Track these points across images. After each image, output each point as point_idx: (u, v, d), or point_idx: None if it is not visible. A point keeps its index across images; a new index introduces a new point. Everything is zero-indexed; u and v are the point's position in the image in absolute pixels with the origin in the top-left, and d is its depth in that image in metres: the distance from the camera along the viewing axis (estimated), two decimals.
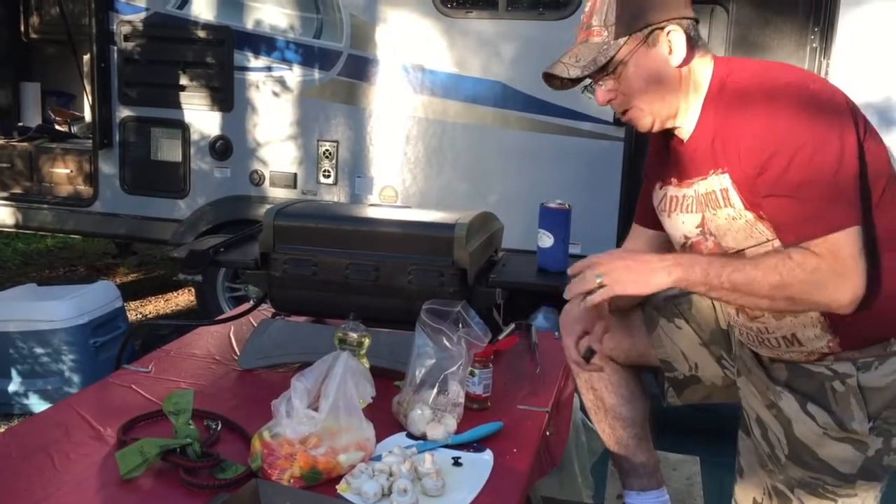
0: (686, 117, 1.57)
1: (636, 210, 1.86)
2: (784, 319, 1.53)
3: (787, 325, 1.53)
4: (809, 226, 1.40)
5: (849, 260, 1.38)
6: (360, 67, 4.15)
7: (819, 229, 1.39)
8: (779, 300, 1.44)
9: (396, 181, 4.18)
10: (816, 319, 1.50)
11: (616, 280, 1.49)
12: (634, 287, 1.49)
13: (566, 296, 1.57)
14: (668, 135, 1.63)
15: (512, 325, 2.27)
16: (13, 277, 5.86)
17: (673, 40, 1.51)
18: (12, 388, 3.65)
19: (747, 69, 1.53)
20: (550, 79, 1.60)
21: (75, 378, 3.68)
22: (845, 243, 1.39)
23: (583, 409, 2.18)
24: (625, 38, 1.50)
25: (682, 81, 1.54)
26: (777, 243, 1.46)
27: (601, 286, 1.49)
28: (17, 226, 4.95)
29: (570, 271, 1.57)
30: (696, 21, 1.56)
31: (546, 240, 2.27)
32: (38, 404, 3.60)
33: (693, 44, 1.53)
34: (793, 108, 1.41)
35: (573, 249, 2.40)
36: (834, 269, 1.38)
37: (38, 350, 3.66)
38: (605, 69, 1.53)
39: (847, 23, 3.48)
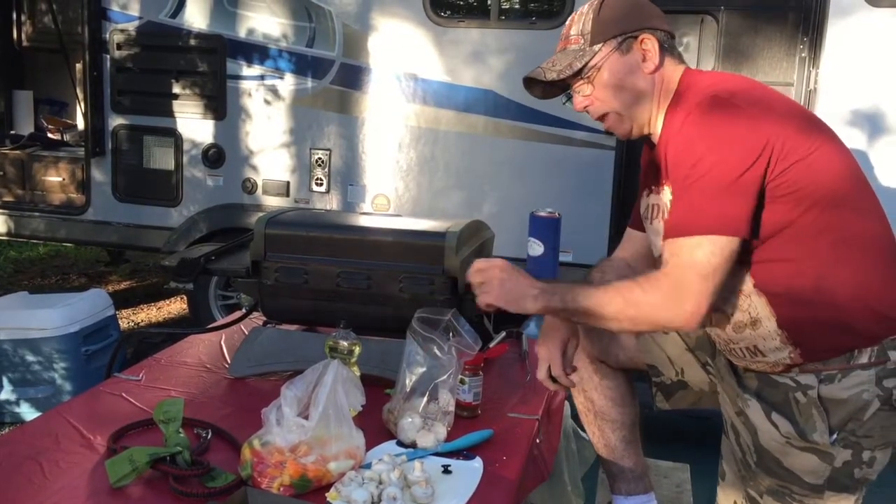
0: (656, 125, 1.61)
1: (632, 214, 1.90)
2: (744, 332, 1.56)
3: (748, 338, 1.56)
4: (675, 228, 1.46)
5: (694, 279, 1.43)
6: (352, 76, 4.16)
7: (681, 231, 1.45)
8: (623, 321, 1.53)
9: (389, 189, 4.20)
10: (775, 332, 1.51)
11: (489, 290, 1.64)
12: (504, 304, 1.63)
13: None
14: (650, 143, 1.67)
15: (502, 334, 2.27)
16: (5, 285, 5.85)
17: (646, 48, 1.58)
18: (3, 396, 3.65)
19: (701, 82, 1.58)
20: (531, 86, 1.69)
21: (67, 386, 3.68)
22: (696, 255, 1.43)
23: (574, 416, 2.19)
24: (599, 45, 1.58)
25: (654, 88, 1.59)
26: None
27: (479, 292, 1.65)
28: (9, 234, 4.95)
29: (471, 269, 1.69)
30: (672, 35, 1.63)
31: (536, 248, 2.28)
32: (29, 412, 3.60)
33: (665, 52, 1.60)
34: (710, 123, 1.45)
35: (564, 258, 2.42)
36: (672, 289, 1.45)
37: (30, 358, 3.66)
38: (580, 74, 1.60)
39: (836, 32, 3.50)
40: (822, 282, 1.48)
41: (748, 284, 1.52)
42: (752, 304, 1.53)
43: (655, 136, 1.63)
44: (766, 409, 1.57)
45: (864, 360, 1.49)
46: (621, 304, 1.51)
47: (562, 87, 1.69)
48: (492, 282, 1.64)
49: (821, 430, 1.50)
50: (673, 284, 1.45)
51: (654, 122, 1.62)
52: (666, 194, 1.57)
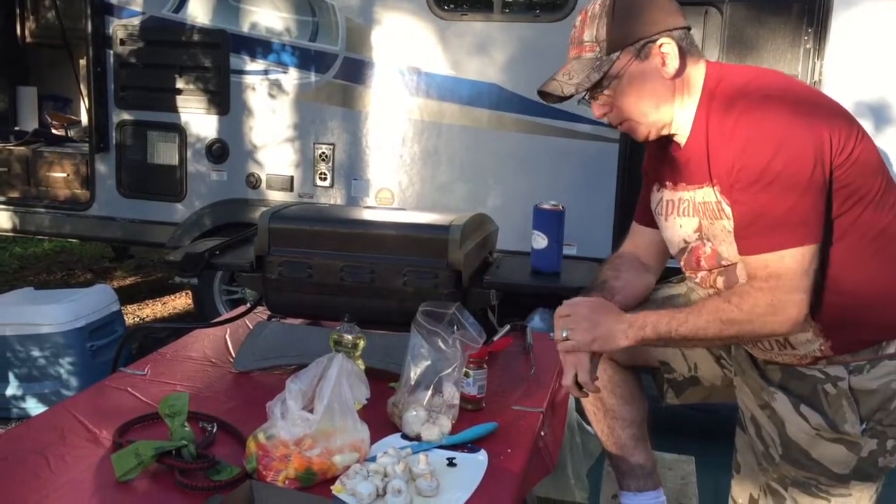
0: (681, 124, 1.57)
1: (636, 208, 1.87)
2: None
3: None
4: (762, 240, 1.44)
5: (788, 288, 1.43)
6: (355, 70, 4.16)
7: (769, 245, 1.43)
8: (727, 338, 1.56)
9: (393, 183, 4.19)
10: (808, 324, 1.51)
11: (581, 338, 1.58)
12: (597, 345, 1.58)
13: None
14: (665, 137, 1.64)
15: (507, 327, 2.28)
16: (10, 281, 5.87)
17: (665, 53, 1.52)
18: (10, 391, 3.65)
19: (736, 77, 1.54)
20: (545, 95, 1.62)
21: (72, 381, 3.68)
22: (789, 265, 1.42)
23: (578, 410, 2.19)
24: (617, 53, 1.51)
25: (675, 91, 1.55)
26: None
27: (567, 339, 1.59)
28: (14, 230, 4.96)
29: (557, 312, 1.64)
30: (688, 29, 1.57)
31: (540, 241, 2.27)
32: (35, 408, 3.61)
33: (685, 53, 1.54)
34: (771, 121, 1.43)
35: (568, 251, 2.41)
36: (771, 303, 1.44)
37: (36, 354, 3.66)
38: (599, 85, 1.53)
39: (840, 24, 3.49)
40: (857, 276, 1.48)
41: None
42: None
43: (681, 135, 1.59)
44: (794, 402, 1.57)
45: (891, 350, 1.51)
46: (720, 326, 1.50)
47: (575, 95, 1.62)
48: (581, 323, 1.58)
49: (851, 421, 1.51)
50: (769, 299, 1.44)
51: (678, 121, 1.57)
52: (707, 194, 1.54)
